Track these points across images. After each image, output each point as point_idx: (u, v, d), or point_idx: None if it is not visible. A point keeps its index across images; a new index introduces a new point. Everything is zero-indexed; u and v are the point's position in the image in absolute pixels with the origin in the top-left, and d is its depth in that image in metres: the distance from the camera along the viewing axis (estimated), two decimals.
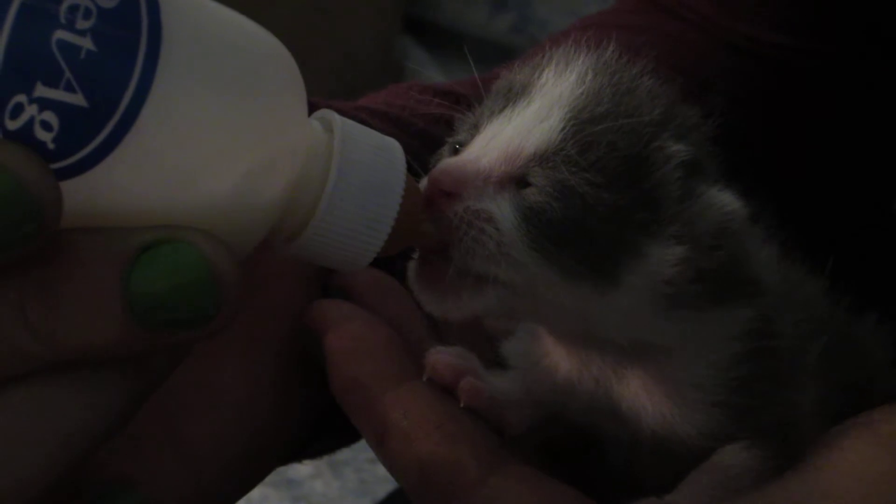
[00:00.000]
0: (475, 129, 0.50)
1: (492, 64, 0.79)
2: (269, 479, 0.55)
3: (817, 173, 0.80)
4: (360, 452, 1.56)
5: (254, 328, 0.53)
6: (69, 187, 0.38)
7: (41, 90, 0.36)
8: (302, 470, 1.55)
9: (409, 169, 0.46)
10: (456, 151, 0.50)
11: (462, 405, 0.50)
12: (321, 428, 0.57)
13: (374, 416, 0.49)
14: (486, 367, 0.52)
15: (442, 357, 0.51)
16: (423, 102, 0.66)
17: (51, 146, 0.37)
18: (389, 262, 0.50)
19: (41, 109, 0.37)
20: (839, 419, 0.50)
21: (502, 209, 0.47)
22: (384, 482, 1.58)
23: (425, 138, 0.62)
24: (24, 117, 0.37)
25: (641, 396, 0.50)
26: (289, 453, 0.57)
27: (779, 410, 0.49)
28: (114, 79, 0.37)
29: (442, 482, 0.47)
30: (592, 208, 0.46)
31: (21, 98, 0.36)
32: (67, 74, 0.37)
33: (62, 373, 0.39)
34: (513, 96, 0.50)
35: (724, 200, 0.47)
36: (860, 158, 0.81)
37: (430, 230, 0.47)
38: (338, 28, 2.26)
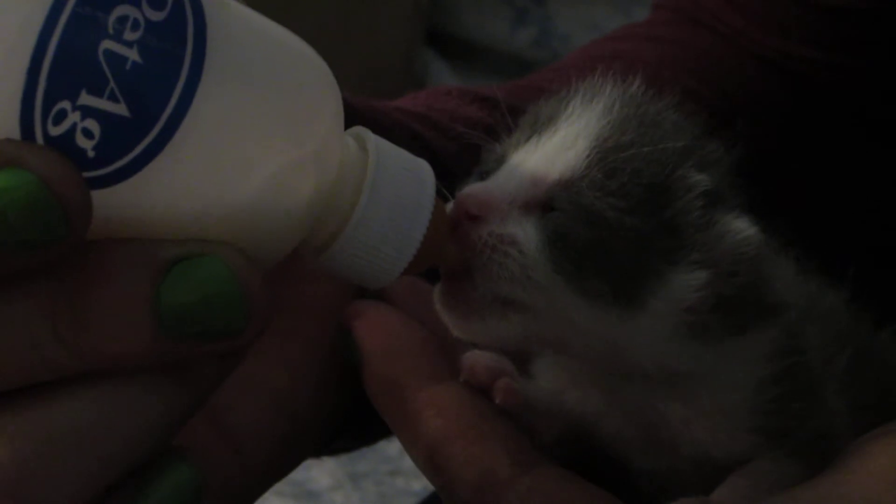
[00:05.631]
0: (502, 158, 0.51)
1: (513, 77, 0.79)
2: (287, 490, 0.55)
3: (840, 184, 0.81)
4: (379, 465, 1.56)
5: (292, 323, 0.54)
6: (105, 196, 0.38)
7: (85, 98, 0.37)
8: (322, 482, 1.55)
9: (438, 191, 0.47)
10: (483, 179, 0.51)
11: (497, 402, 0.50)
12: (345, 427, 0.57)
13: (408, 414, 0.50)
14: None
15: (479, 359, 0.51)
16: (462, 106, 0.67)
17: (90, 154, 0.38)
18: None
19: (84, 117, 0.37)
20: (865, 429, 0.50)
21: (526, 233, 0.48)
22: (404, 495, 1.57)
23: (463, 142, 0.63)
24: (66, 124, 0.37)
25: (674, 425, 0.50)
26: (318, 447, 0.57)
27: (814, 425, 0.50)
28: (157, 92, 0.38)
29: (475, 480, 0.48)
30: (616, 232, 0.47)
31: (65, 104, 0.37)
32: (112, 84, 0.37)
33: (95, 384, 0.40)
34: (539, 127, 0.51)
35: (740, 227, 0.48)
36: (885, 172, 0.81)
37: (453, 252, 0.48)
38: (359, 40, 2.27)
